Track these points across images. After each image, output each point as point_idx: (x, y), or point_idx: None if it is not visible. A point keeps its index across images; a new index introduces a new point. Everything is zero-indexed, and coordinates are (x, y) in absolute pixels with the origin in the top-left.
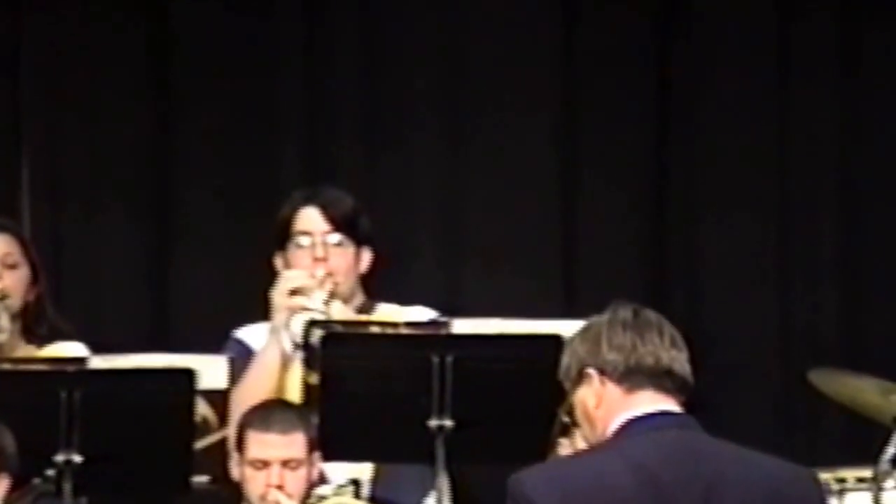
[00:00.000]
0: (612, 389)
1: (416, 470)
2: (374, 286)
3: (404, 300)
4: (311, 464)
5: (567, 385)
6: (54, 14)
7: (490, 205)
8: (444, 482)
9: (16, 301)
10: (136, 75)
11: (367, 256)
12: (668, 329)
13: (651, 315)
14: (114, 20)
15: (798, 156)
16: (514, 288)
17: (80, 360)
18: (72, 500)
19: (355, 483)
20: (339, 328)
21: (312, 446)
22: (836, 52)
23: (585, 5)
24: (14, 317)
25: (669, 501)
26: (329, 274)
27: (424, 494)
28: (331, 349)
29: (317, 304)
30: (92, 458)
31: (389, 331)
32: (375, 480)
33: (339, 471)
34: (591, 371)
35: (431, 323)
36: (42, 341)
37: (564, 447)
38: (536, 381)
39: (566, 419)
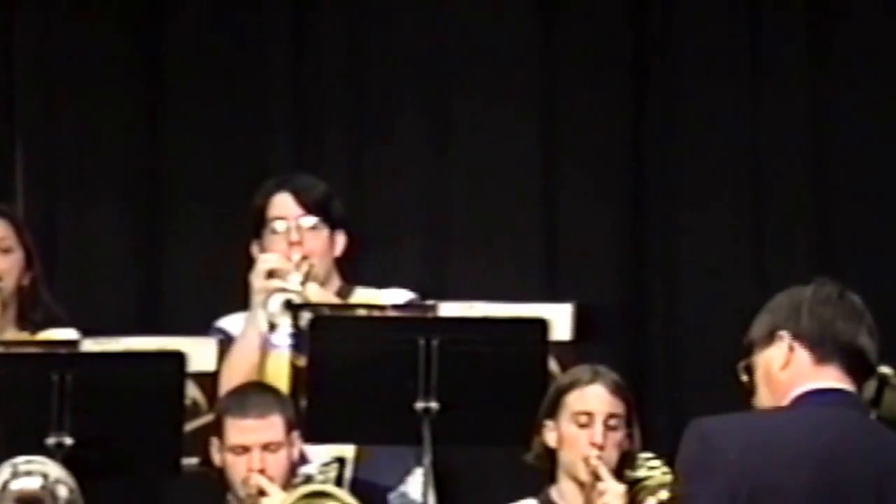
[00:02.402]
0: (802, 355)
1: (397, 452)
2: (353, 270)
3: (390, 284)
4: (290, 444)
5: (754, 344)
6: (47, 2)
7: (473, 191)
8: (430, 463)
9: (9, 285)
10: (128, 64)
11: (341, 240)
12: (868, 317)
13: (855, 299)
14: (106, 9)
15: (772, 146)
16: (496, 272)
17: (72, 343)
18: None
19: (340, 461)
20: (327, 312)
21: (291, 427)
22: (806, 43)
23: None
24: (7, 301)
25: (843, 471)
26: (304, 257)
27: (405, 475)
28: (318, 332)
29: (293, 286)
30: (83, 440)
31: (376, 314)
32: (357, 461)
33: (322, 450)
34: (784, 333)
35: (418, 306)
36: (36, 327)
37: (550, 429)
38: (521, 363)
39: (743, 378)
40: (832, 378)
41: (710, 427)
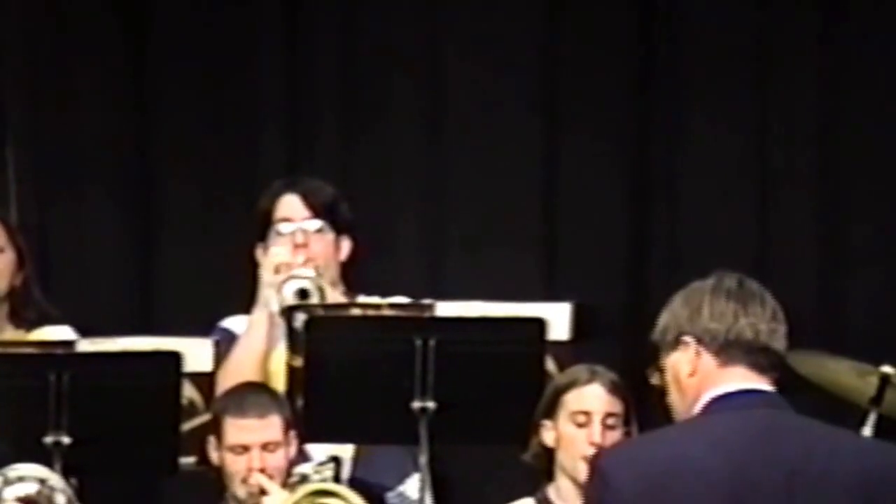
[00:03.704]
0: (708, 361)
1: (396, 452)
2: (358, 277)
3: (387, 285)
4: (288, 443)
5: (661, 346)
6: (34, 3)
7: (470, 190)
8: (426, 463)
9: (2, 285)
10: (118, 64)
11: (346, 245)
12: (771, 301)
13: (754, 286)
14: (94, 8)
15: (778, 135)
16: (495, 272)
17: (69, 343)
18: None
19: (335, 460)
20: (322, 311)
21: (288, 426)
22: (818, 25)
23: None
24: (1, 300)
25: (751, 481)
26: (309, 260)
27: (404, 476)
28: (314, 332)
29: (305, 272)
30: (80, 439)
31: (372, 313)
32: (356, 462)
33: (320, 449)
34: (689, 339)
35: (414, 305)
36: (30, 326)
37: (547, 429)
38: (518, 363)
39: (654, 381)
40: (739, 378)
41: (608, 465)
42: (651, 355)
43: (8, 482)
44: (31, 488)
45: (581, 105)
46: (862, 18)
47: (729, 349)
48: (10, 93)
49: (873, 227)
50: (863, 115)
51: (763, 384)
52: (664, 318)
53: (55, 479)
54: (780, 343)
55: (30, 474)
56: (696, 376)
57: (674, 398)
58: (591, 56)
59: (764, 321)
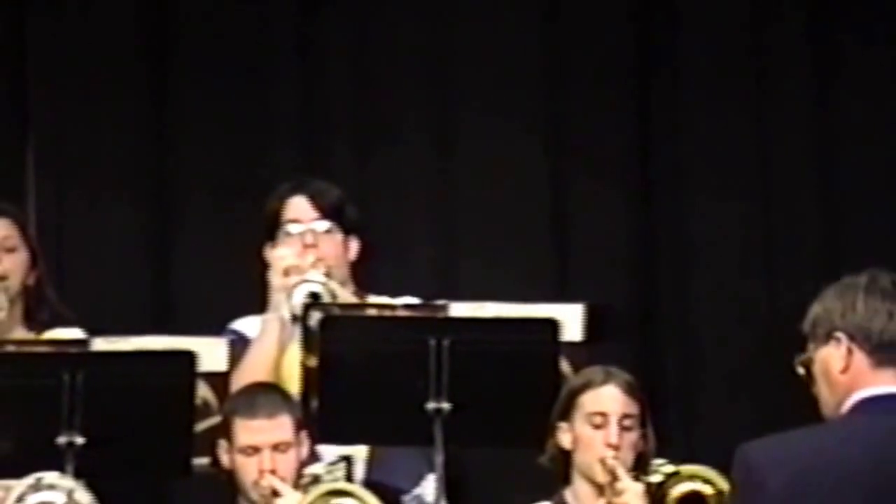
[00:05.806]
0: (860, 359)
1: (411, 455)
2: (366, 277)
3: (399, 289)
4: (299, 444)
5: (809, 338)
6: (58, 4)
7: (481, 193)
8: (442, 464)
9: (15, 284)
10: (138, 65)
11: (354, 245)
12: None
13: None
14: (117, 10)
15: (779, 146)
16: (507, 274)
17: (83, 342)
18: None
19: (346, 459)
20: (337, 311)
21: (299, 426)
22: (811, 50)
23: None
24: (14, 300)
25: (892, 482)
26: (319, 260)
27: (419, 479)
28: (329, 332)
29: (316, 276)
30: (94, 439)
31: (387, 313)
32: (370, 464)
33: (332, 450)
34: (841, 336)
35: (428, 305)
36: (43, 327)
37: (564, 431)
38: (533, 364)
39: (801, 372)
40: (891, 381)
41: (754, 457)
42: (798, 345)
43: (37, 488)
44: (58, 499)
45: (586, 111)
46: (853, 51)
47: (882, 350)
48: (32, 93)
49: (876, 225)
50: (857, 130)
51: None
52: (814, 311)
53: (80, 492)
54: None
55: (60, 484)
56: (848, 374)
57: (822, 391)
58: (593, 62)
59: None
